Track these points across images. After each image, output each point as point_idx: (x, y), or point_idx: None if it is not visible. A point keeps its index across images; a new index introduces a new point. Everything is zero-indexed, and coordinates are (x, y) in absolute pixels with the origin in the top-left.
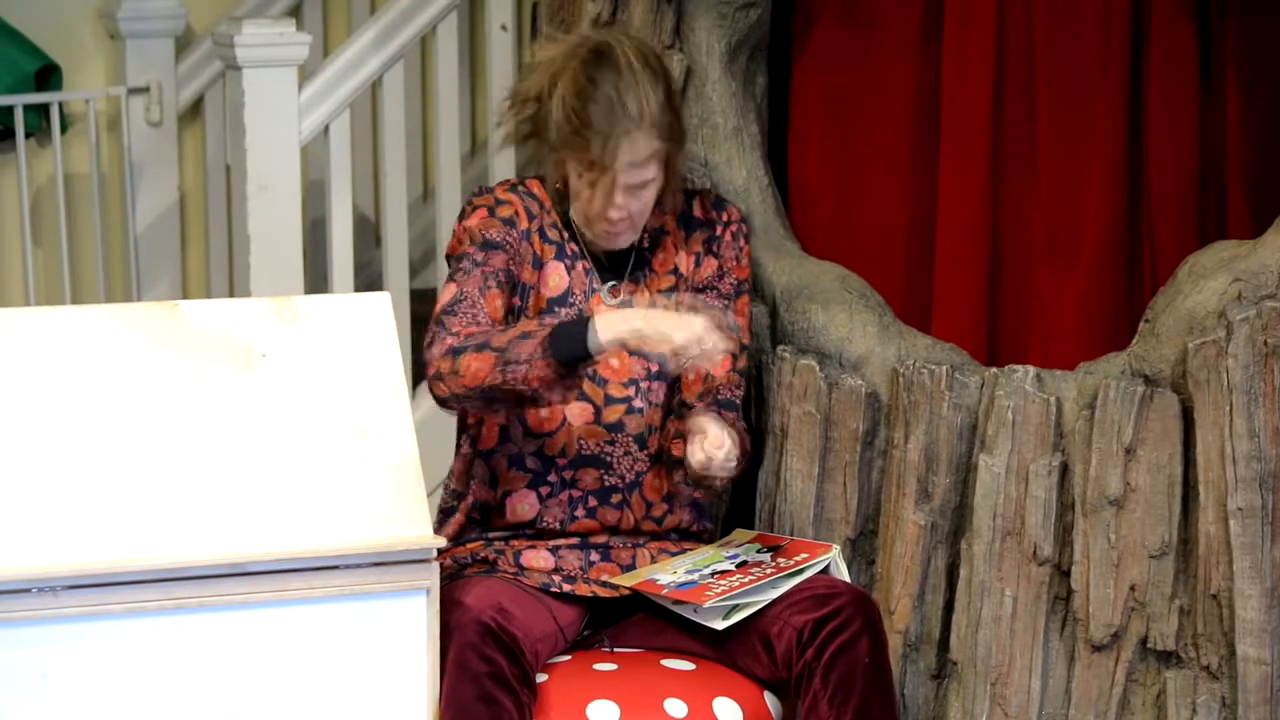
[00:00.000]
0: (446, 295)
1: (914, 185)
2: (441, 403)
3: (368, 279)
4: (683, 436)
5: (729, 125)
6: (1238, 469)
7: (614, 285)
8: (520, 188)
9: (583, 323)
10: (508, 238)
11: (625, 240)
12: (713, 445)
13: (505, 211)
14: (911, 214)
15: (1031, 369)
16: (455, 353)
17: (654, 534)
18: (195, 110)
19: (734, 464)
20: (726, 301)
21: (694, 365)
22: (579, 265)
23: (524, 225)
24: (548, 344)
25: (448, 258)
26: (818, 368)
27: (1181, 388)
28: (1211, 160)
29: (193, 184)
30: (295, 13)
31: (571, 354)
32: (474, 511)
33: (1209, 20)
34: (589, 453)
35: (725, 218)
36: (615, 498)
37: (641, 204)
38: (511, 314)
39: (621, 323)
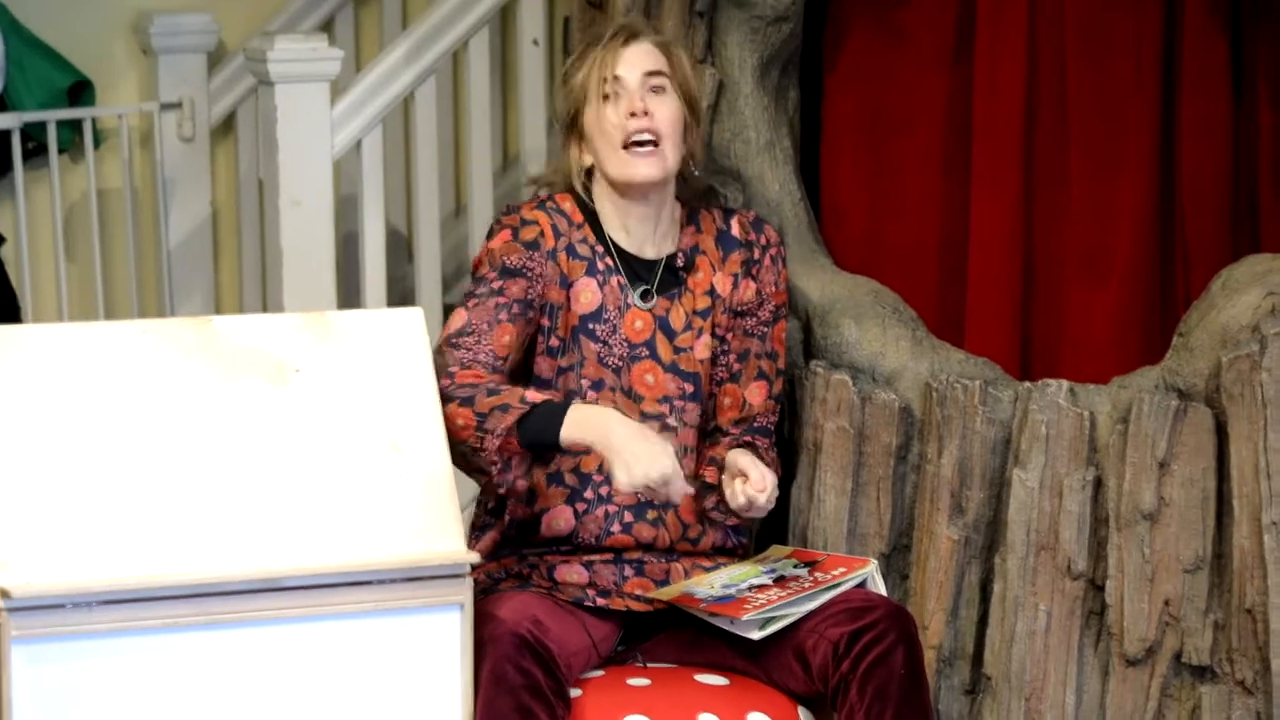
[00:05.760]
0: (456, 321)
1: (946, 199)
2: None
3: (400, 294)
4: (716, 463)
5: (762, 139)
6: (1272, 483)
7: (646, 290)
8: (549, 204)
9: (560, 410)
10: (529, 263)
11: (654, 167)
12: (755, 489)
13: (530, 233)
14: (944, 228)
15: (1065, 383)
16: (444, 399)
17: (688, 552)
18: (227, 125)
19: (773, 504)
20: (765, 329)
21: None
22: (613, 280)
23: (550, 245)
24: (520, 424)
25: (472, 273)
26: (851, 382)
27: (1215, 402)
28: (1244, 174)
29: (225, 199)
30: (327, 28)
31: (541, 440)
32: (510, 529)
33: (1241, 35)
34: None
35: (764, 240)
36: (651, 514)
37: (666, 111)
38: (540, 334)
39: (594, 430)
